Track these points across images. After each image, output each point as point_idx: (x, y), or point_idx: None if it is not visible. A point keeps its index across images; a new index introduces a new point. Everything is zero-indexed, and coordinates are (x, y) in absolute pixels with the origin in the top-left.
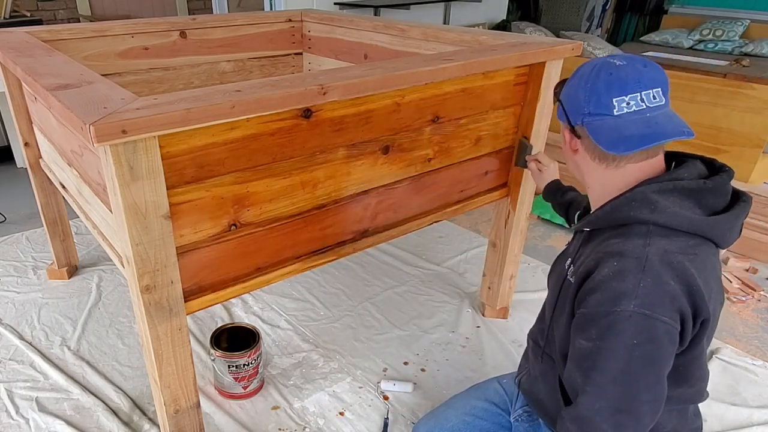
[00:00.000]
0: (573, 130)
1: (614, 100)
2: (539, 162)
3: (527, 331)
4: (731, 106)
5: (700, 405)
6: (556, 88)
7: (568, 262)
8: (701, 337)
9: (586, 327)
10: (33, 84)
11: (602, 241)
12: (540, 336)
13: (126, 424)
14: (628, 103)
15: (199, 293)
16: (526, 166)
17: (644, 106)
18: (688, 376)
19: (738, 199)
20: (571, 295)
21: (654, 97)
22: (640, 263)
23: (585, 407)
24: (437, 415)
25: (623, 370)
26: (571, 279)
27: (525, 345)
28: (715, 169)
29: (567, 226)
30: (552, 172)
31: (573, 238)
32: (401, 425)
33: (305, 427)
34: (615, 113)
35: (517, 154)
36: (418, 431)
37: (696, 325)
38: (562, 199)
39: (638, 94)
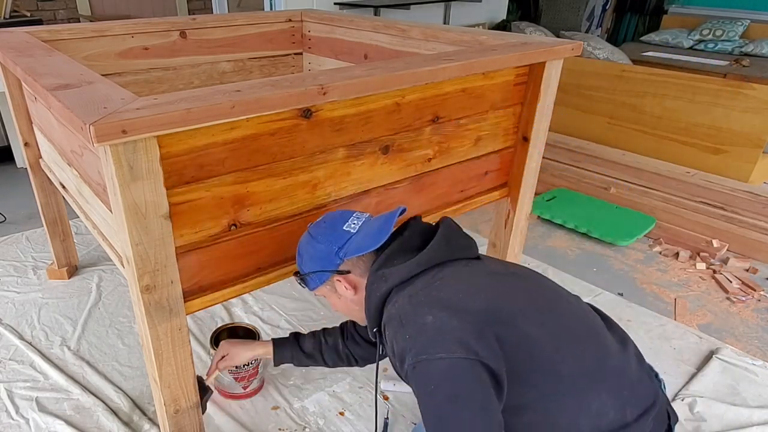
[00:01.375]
0: (341, 273)
1: (344, 228)
2: (217, 366)
3: None
4: (731, 106)
5: (699, 403)
6: (296, 278)
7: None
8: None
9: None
10: (33, 84)
11: (386, 335)
12: None
13: (126, 424)
14: (353, 225)
15: (199, 293)
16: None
17: (362, 221)
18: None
19: (438, 225)
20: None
21: (359, 218)
22: (399, 322)
23: None
24: None
25: (436, 416)
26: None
27: None
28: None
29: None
30: (238, 351)
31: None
32: (401, 425)
33: (305, 427)
34: (354, 231)
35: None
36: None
37: (488, 341)
38: (304, 347)
39: (352, 219)
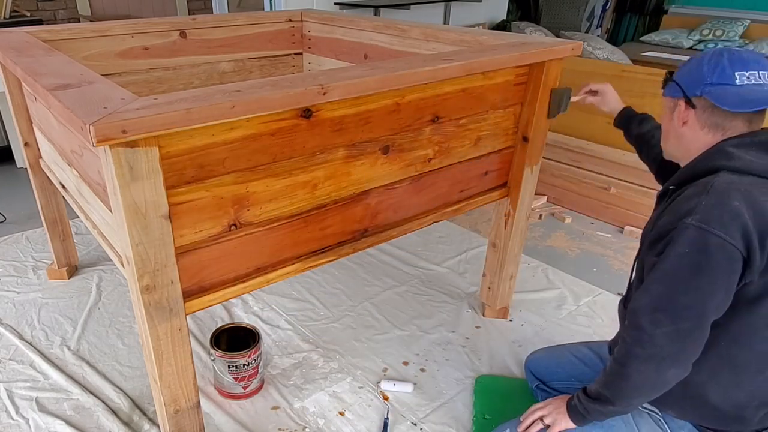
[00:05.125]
0: (688, 102)
1: (736, 73)
2: (594, 92)
3: (527, 331)
4: None
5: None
6: (666, 74)
7: (651, 224)
8: None
9: (654, 245)
10: (33, 84)
11: (678, 195)
12: (623, 303)
13: (126, 424)
14: (748, 78)
15: (199, 293)
16: (565, 110)
17: (762, 82)
18: (750, 333)
19: None
20: (648, 241)
21: (763, 76)
22: (705, 188)
23: (634, 302)
24: (550, 350)
25: (668, 271)
26: (650, 231)
27: (525, 344)
28: None
29: (638, 156)
30: (612, 94)
31: (656, 205)
32: (401, 425)
33: (305, 427)
34: (737, 83)
35: (551, 105)
36: (531, 358)
37: (765, 252)
38: (639, 129)
39: (757, 72)
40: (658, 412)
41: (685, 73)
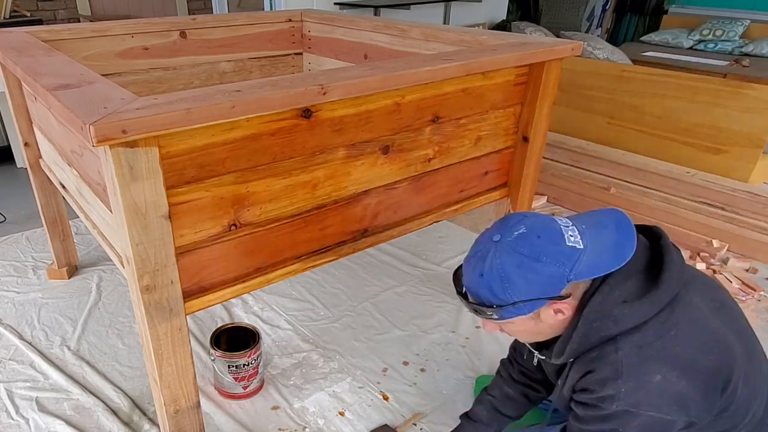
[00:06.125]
0: (560, 299)
1: (567, 246)
2: None
3: None
4: (731, 106)
5: None
6: (486, 310)
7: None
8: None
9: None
10: (33, 84)
11: (581, 362)
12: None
13: (126, 424)
14: (573, 237)
15: (199, 293)
16: None
17: (576, 230)
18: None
19: (654, 236)
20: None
21: (568, 226)
22: (615, 369)
23: None
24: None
25: None
26: (564, 393)
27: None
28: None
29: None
30: None
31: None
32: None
33: (305, 427)
34: (581, 248)
35: None
36: None
37: (724, 380)
38: (485, 420)
39: (565, 230)
40: None
41: (524, 290)
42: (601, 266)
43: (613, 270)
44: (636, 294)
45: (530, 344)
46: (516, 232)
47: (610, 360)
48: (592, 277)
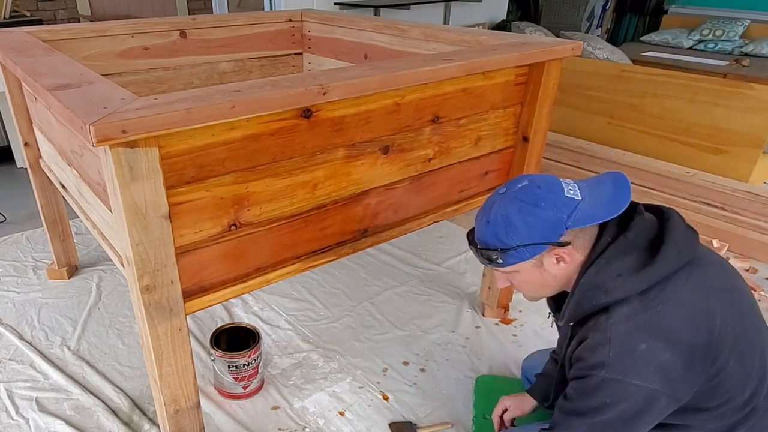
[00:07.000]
0: (559, 245)
1: (565, 195)
2: (502, 419)
3: (527, 331)
4: (731, 106)
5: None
6: (492, 254)
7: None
8: (726, 360)
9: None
10: (33, 84)
11: (581, 329)
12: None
13: (126, 424)
14: (572, 190)
15: (199, 293)
16: None
17: (576, 185)
18: (705, 403)
19: (663, 217)
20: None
21: (569, 183)
22: (605, 336)
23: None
24: (546, 353)
25: (590, 425)
26: (567, 373)
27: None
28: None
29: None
30: (528, 402)
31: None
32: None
33: (305, 427)
34: (579, 198)
35: None
36: (528, 361)
37: (709, 358)
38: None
39: (566, 184)
40: None
41: (525, 234)
42: (597, 215)
43: (607, 218)
44: (632, 268)
45: (550, 308)
46: (519, 185)
47: (601, 327)
48: (588, 224)
